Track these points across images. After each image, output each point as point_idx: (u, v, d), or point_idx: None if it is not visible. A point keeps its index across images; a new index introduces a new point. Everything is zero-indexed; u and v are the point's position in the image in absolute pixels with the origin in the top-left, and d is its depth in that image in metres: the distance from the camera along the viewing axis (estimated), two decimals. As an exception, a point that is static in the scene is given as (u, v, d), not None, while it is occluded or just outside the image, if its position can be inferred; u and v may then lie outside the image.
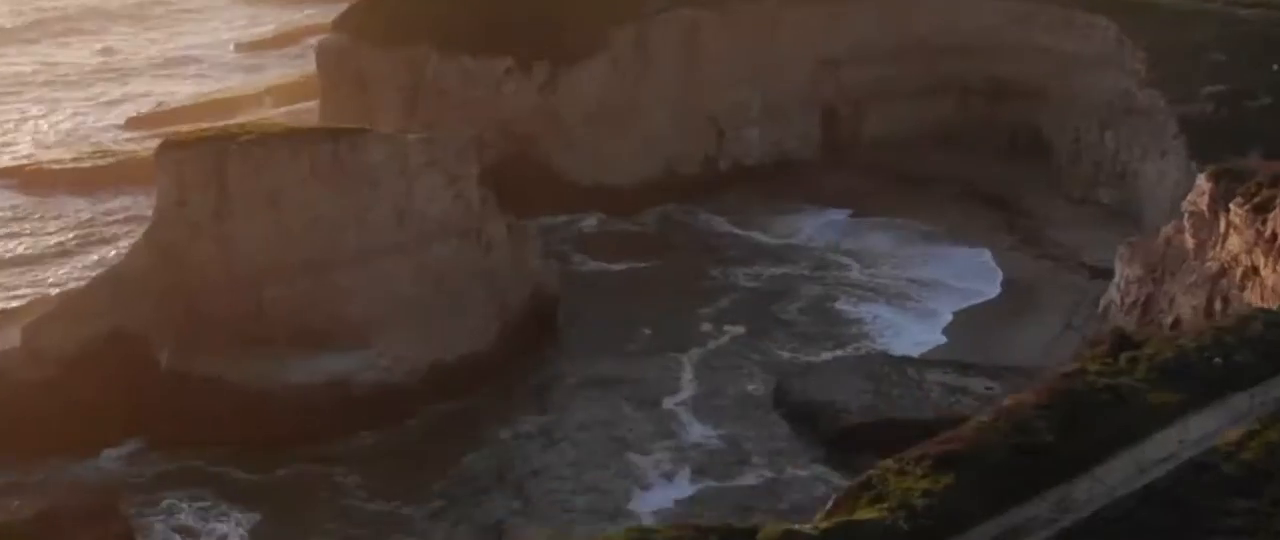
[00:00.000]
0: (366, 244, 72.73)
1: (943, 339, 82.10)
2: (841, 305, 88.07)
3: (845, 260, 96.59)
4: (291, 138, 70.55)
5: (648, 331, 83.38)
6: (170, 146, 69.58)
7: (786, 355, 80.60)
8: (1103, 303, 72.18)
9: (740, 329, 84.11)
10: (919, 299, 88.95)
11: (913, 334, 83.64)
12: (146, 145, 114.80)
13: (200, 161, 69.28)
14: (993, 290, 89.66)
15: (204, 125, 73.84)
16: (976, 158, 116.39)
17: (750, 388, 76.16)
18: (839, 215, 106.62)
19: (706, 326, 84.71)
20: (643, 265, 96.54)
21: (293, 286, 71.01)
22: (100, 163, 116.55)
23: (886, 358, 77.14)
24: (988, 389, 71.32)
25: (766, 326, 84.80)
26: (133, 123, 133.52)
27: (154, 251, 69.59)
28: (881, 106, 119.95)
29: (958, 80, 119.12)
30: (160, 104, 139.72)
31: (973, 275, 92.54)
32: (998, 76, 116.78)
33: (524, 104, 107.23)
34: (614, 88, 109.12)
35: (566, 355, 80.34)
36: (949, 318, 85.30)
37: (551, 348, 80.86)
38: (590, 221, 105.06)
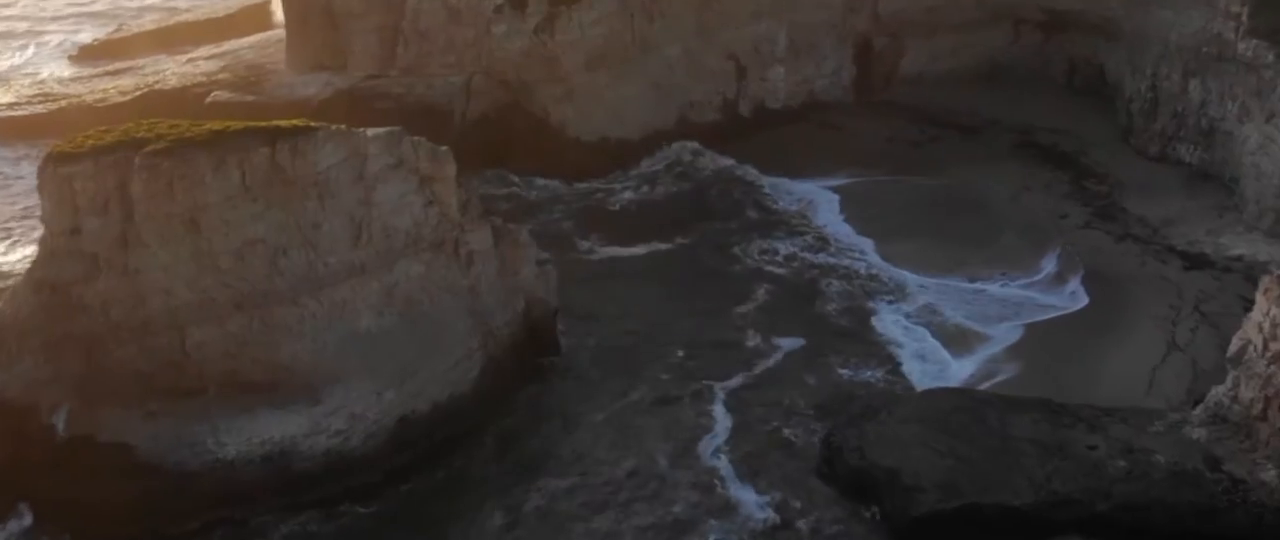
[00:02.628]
0: (314, 270, 55.63)
1: (1015, 364, 64.58)
2: (885, 313, 70.33)
3: (892, 245, 78.61)
4: (214, 143, 52.83)
5: (680, 351, 66.10)
6: (55, 160, 51.74)
7: (835, 381, 63.52)
8: (1236, 343, 54.92)
9: (783, 344, 66.78)
10: (980, 304, 71.07)
11: (976, 351, 66.45)
12: (95, 87, 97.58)
13: (95, 179, 51.85)
14: (1071, 292, 71.66)
15: (103, 128, 54.63)
16: (1029, 98, 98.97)
17: (791, 436, 59.28)
18: (873, 177, 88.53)
19: (748, 337, 67.55)
20: (661, 247, 79.09)
21: (222, 328, 54.11)
22: (38, 109, 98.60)
23: (958, 397, 60.02)
24: (1092, 450, 54.68)
25: (807, 336, 67.61)
26: (85, 53, 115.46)
27: (40, 293, 52.41)
28: (922, 40, 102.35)
29: (1010, 11, 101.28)
30: (120, 28, 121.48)
31: (1053, 263, 74.66)
32: (1056, 8, 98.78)
33: (517, 46, 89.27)
34: (620, 26, 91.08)
35: (572, 388, 63.05)
36: (1019, 333, 67.57)
37: (553, 378, 63.74)
38: (596, 188, 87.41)
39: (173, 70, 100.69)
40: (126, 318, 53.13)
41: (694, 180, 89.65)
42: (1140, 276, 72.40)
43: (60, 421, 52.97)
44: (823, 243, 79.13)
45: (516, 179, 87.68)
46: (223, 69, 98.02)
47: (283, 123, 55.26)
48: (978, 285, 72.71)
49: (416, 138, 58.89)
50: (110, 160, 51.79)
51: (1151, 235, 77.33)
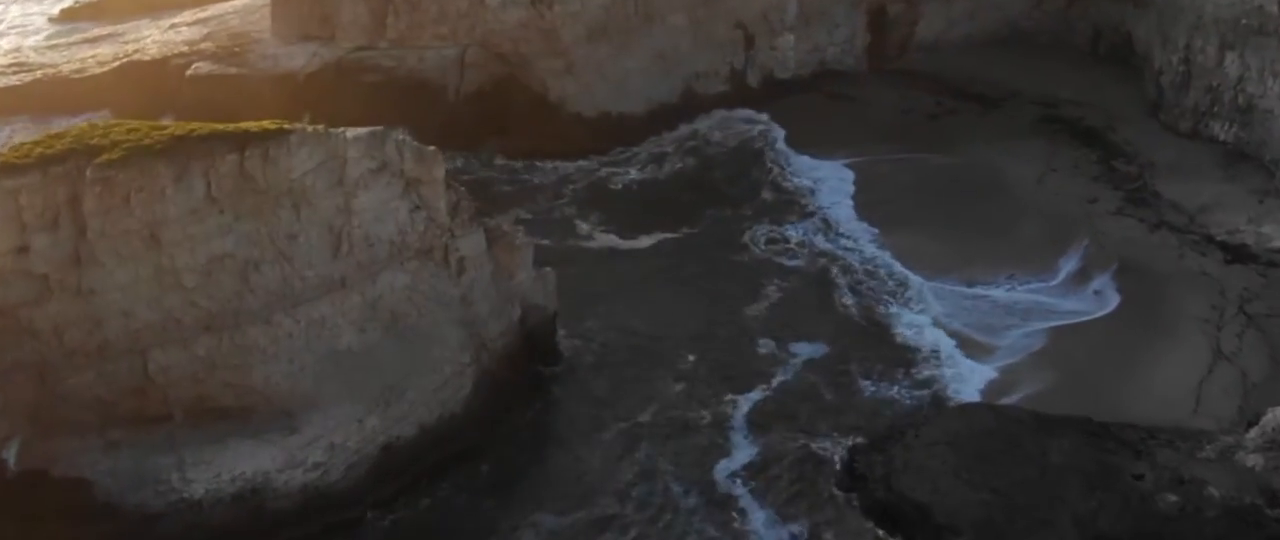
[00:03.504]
0: (290, 285, 50.00)
1: (1044, 375, 58.88)
2: (903, 315, 64.37)
3: (900, 238, 72.64)
4: (175, 151, 46.98)
5: (691, 357, 60.56)
6: (-1, 172, 46.02)
7: (857, 395, 58.00)
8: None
9: (800, 351, 61.15)
10: (1007, 304, 65.17)
11: (999, 359, 60.76)
12: (73, 56, 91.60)
13: (44, 192, 46.07)
14: (1095, 292, 65.63)
15: (53, 134, 48.80)
16: (1051, 67, 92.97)
17: (814, 458, 53.75)
18: (887, 155, 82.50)
19: (762, 343, 61.87)
20: (668, 236, 73.22)
21: (188, 351, 48.54)
22: (13, 81, 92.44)
23: (989, 415, 54.48)
24: (1137, 479, 49.36)
25: (824, 342, 62.05)
26: (66, 15, 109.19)
27: (-15, 318, 46.76)
28: (939, 4, 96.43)
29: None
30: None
31: (1074, 261, 68.75)
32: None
33: (514, 17, 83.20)
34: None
35: (574, 404, 57.54)
36: (1042, 340, 61.67)
37: (553, 391, 58.25)
38: (597, 168, 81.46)
39: (154, 38, 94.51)
40: (82, 342, 47.51)
41: (701, 155, 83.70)
42: (1178, 272, 66.54)
43: (10, 455, 47.48)
44: (833, 229, 73.42)
45: (515, 161, 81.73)
46: (206, 37, 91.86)
47: (252, 126, 49.17)
48: (979, 290, 66.40)
49: (401, 136, 53.03)
50: (60, 171, 46.01)
51: (1188, 224, 71.48)
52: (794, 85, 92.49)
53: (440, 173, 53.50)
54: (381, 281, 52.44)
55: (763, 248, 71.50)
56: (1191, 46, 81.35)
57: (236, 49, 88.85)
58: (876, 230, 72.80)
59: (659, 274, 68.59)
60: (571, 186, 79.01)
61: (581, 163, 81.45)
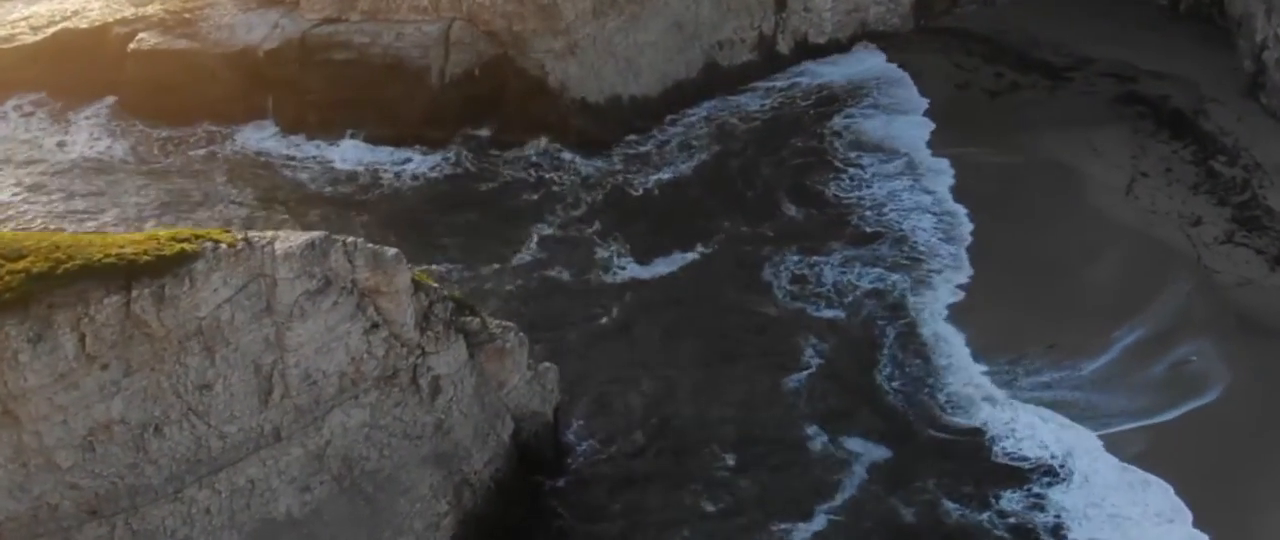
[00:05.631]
0: (205, 447, 36.46)
1: (1176, 501, 45.42)
2: (977, 399, 50.51)
3: (956, 271, 58.64)
4: (31, 300, 33.03)
5: (728, 458, 47.27)
6: None
7: (943, 523, 44.69)
8: None
9: (858, 451, 47.77)
10: (1106, 377, 51.64)
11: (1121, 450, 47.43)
12: (3, 19, 76.96)
13: None
14: (1215, 372, 51.30)
15: None
16: (1123, 27, 78.49)
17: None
18: (945, 147, 68.28)
19: (810, 435, 48.48)
20: (691, 259, 59.58)
21: (69, 547, 35.06)
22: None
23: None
24: None
25: (885, 438, 48.59)
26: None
27: None
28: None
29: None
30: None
31: (1177, 323, 54.16)
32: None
33: (506, -12, 68.33)
34: (633, -42, 69.91)
35: (584, 537, 44.42)
36: (1146, 436, 48.22)
37: (559, 515, 44.89)
38: (616, 170, 67.19)
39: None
40: (-75, 542, 34.12)
41: (724, 145, 69.53)
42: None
43: None
44: (874, 260, 59.52)
45: (514, 154, 67.63)
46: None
47: (141, 249, 35.00)
48: (1066, 370, 52.18)
49: (351, 240, 38.95)
50: None
51: (1315, 254, 57.51)
52: (831, 50, 77.82)
53: (404, 280, 39.55)
54: (330, 425, 38.92)
55: (792, 285, 57.85)
56: (1300, 18, 66.61)
57: (187, 15, 73.97)
58: (930, 267, 58.85)
59: (684, 326, 54.91)
60: (588, 194, 64.83)
61: (598, 163, 67.27)
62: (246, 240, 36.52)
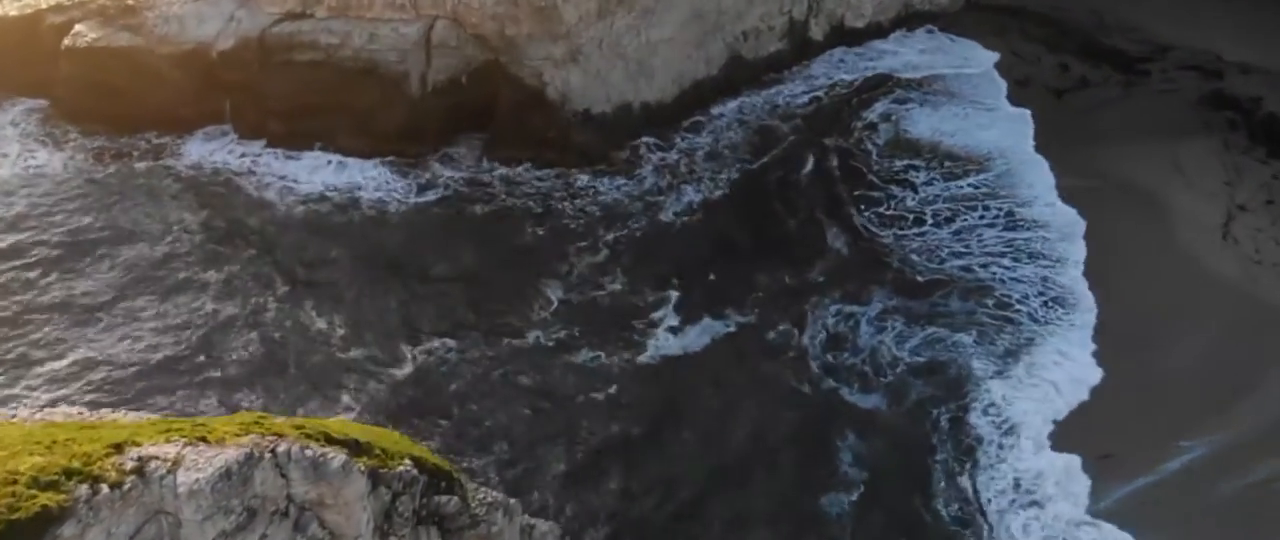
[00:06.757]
0: None
1: None
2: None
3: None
4: None
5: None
6: None
7: None
8: None
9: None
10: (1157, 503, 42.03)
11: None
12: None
13: None
14: None
15: None
16: (1201, 6, 67.37)
17: None
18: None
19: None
20: (726, 328, 49.59)
21: None
22: None
23: None
24: None
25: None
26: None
27: None
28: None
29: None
30: None
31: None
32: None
33: (498, -16, 57.66)
34: (646, -57, 59.03)
35: None
36: None
37: None
38: (626, 191, 57.16)
39: (25, -25, 68.45)
40: None
41: (756, 153, 59.65)
42: None
43: None
44: (925, 319, 49.79)
45: (502, 173, 57.63)
46: (91, -20, 65.95)
47: (15, 491, 25.34)
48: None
49: (285, 447, 29.14)
50: None
51: None
52: (871, 36, 67.08)
53: (356, 487, 29.79)
54: None
55: (835, 369, 47.93)
56: None
57: (132, 4, 63.19)
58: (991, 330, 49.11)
59: (721, 428, 45.23)
60: (607, 230, 54.69)
61: (612, 184, 57.16)
62: (139, 473, 26.72)
